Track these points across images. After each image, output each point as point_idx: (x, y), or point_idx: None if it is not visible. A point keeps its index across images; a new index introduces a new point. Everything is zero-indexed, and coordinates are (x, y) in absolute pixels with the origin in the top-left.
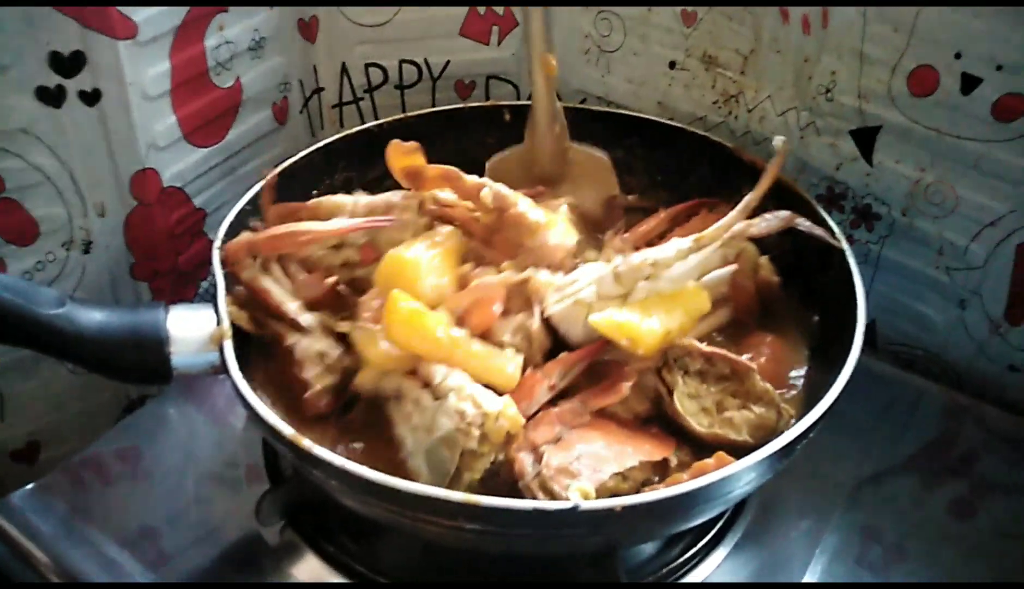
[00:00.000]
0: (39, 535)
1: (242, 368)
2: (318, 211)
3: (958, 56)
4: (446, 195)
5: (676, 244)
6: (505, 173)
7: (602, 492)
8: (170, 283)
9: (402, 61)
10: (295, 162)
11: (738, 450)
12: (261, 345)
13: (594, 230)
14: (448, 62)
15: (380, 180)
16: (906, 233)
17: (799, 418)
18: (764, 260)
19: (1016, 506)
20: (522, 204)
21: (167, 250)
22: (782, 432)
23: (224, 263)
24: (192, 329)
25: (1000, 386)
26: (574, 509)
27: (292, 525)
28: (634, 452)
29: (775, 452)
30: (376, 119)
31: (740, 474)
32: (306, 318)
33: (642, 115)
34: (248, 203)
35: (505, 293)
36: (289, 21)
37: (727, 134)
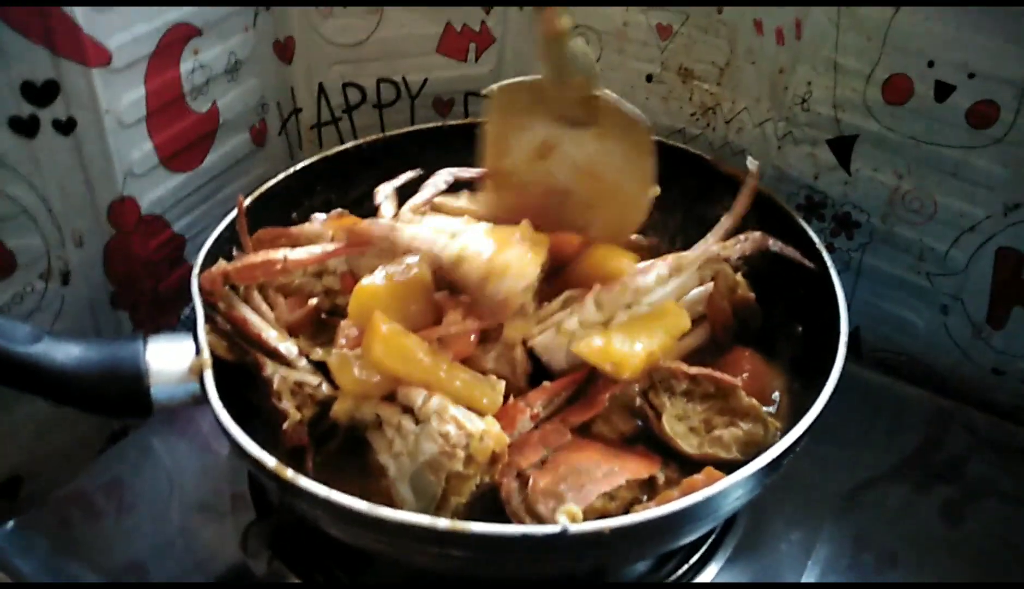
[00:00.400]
0: (21, 575)
1: (224, 398)
2: (299, 237)
3: (931, 64)
4: None
5: (656, 269)
6: (514, 105)
7: (590, 513)
8: (151, 311)
9: (380, 80)
10: (273, 185)
11: (727, 467)
12: (243, 373)
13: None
14: (426, 80)
15: (360, 201)
16: (886, 240)
17: (786, 430)
18: (740, 278)
19: (1004, 510)
20: (453, 250)
21: (147, 278)
22: (770, 445)
23: (201, 292)
24: (171, 360)
25: (984, 389)
26: (563, 533)
27: (279, 556)
28: (620, 471)
29: (764, 466)
30: (355, 139)
31: (729, 490)
32: (286, 347)
33: None
34: (227, 228)
35: (478, 329)
36: (265, 43)
37: (705, 146)
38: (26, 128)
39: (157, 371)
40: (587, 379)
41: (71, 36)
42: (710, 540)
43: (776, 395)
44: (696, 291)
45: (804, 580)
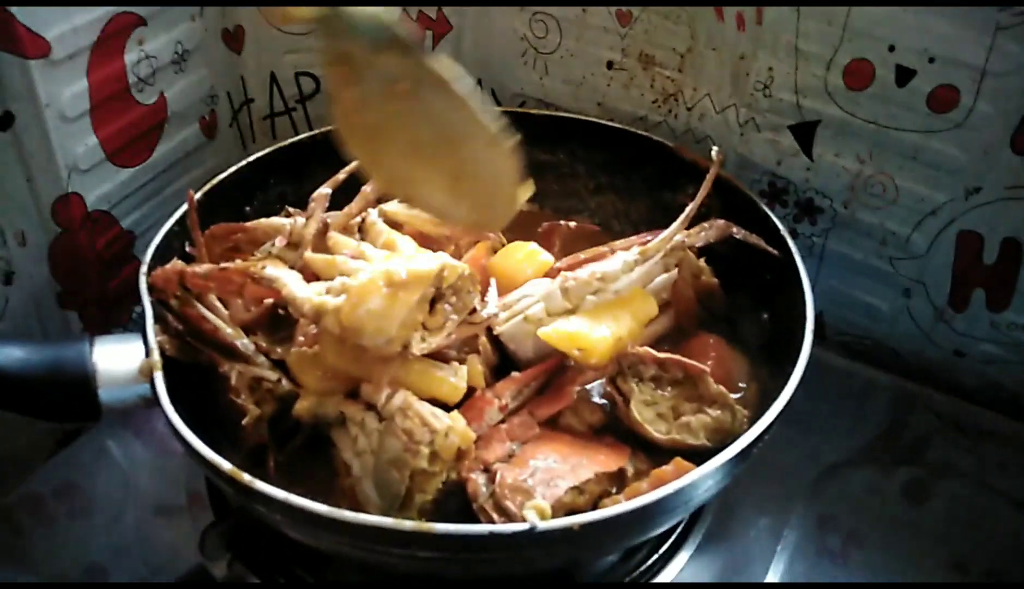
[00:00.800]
0: None
1: (175, 400)
2: (255, 233)
3: (892, 49)
4: None
5: (622, 257)
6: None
7: (558, 508)
8: (101, 310)
9: None
10: (225, 178)
11: (696, 454)
12: (195, 374)
13: None
14: None
15: None
16: (849, 225)
17: (754, 418)
18: (704, 265)
19: (967, 489)
20: (313, 303)
21: (95, 276)
22: (738, 432)
23: (151, 291)
24: (120, 362)
25: (947, 372)
26: (531, 530)
27: (239, 557)
28: (589, 464)
29: (734, 456)
30: (310, 130)
31: (698, 482)
32: (243, 343)
33: (582, 117)
34: (177, 223)
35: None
36: (213, 32)
37: (668, 133)
38: None
39: (105, 373)
40: (555, 370)
41: (5, 27)
42: (679, 529)
43: (743, 382)
44: (661, 278)
45: (774, 564)
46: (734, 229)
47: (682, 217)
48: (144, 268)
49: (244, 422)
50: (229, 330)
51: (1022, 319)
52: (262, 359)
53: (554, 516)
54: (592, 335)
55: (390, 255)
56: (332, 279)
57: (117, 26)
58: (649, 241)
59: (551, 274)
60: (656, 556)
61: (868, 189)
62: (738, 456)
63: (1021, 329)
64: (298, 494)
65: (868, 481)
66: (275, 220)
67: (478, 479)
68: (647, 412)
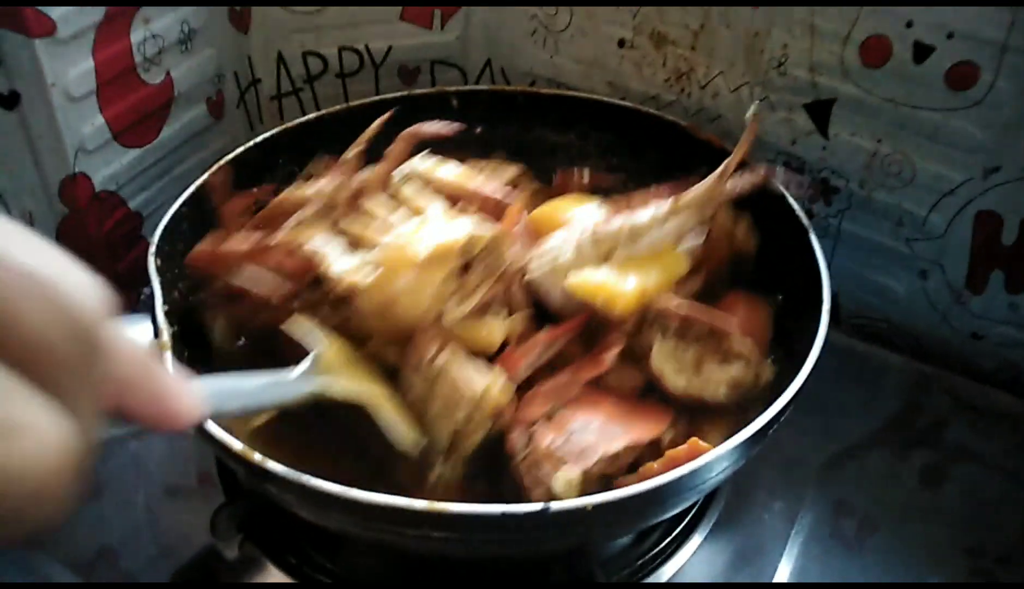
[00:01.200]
0: None
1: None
2: (283, 207)
3: (910, 25)
4: None
5: (653, 209)
6: None
7: (588, 478)
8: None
9: (342, 48)
10: (233, 158)
11: (715, 411)
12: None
13: None
14: (390, 48)
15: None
16: (865, 205)
17: (770, 401)
18: (741, 223)
19: (984, 472)
20: (344, 284)
21: (103, 258)
22: (762, 389)
23: (193, 270)
24: None
25: (964, 354)
26: (544, 511)
27: (251, 538)
28: (624, 433)
29: (749, 438)
30: (318, 110)
31: (711, 464)
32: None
33: (593, 96)
34: (184, 204)
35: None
36: (220, 11)
37: (680, 112)
38: None
39: None
40: (596, 329)
41: (10, 5)
42: (692, 512)
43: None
44: (694, 234)
45: (788, 548)
46: (775, 174)
47: (719, 170)
48: (153, 248)
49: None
50: (276, 293)
51: None
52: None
53: (583, 486)
54: (616, 286)
55: (420, 224)
56: (368, 249)
57: (123, 5)
58: (674, 195)
59: None
60: (669, 539)
61: (885, 169)
62: (753, 437)
63: None
64: (308, 472)
65: (883, 464)
66: (302, 189)
67: (518, 439)
68: (667, 364)
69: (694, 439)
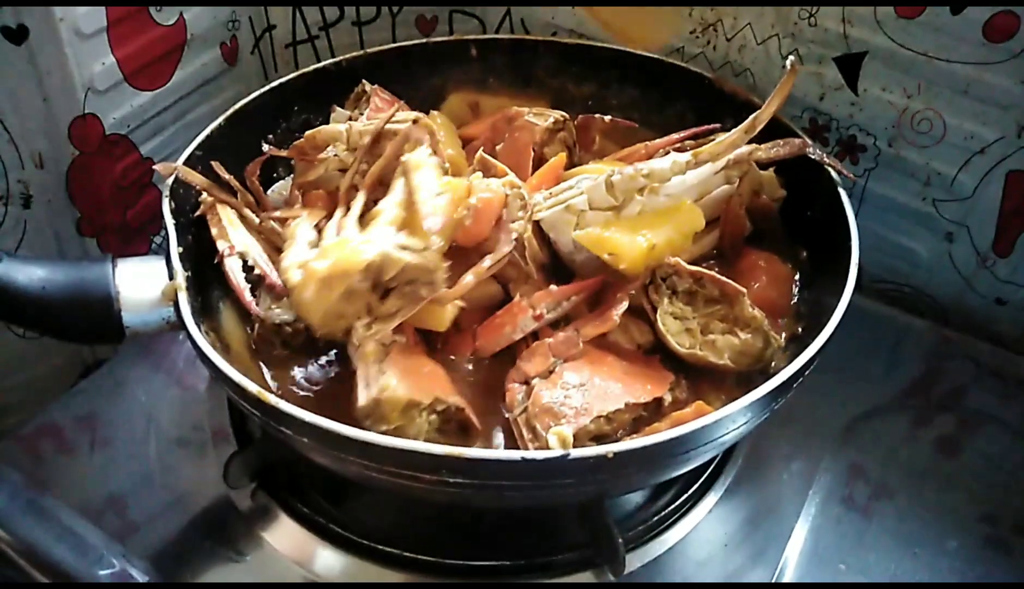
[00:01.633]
0: None
1: (199, 323)
2: (315, 141)
3: None
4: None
5: (673, 157)
6: None
7: (582, 435)
8: (119, 238)
9: None
10: (247, 103)
11: (717, 376)
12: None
13: None
14: None
15: None
16: (892, 165)
17: (790, 359)
18: (770, 177)
19: (1004, 440)
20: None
21: (114, 203)
22: (768, 360)
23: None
24: (143, 284)
25: (987, 320)
26: (564, 457)
27: (263, 487)
28: (623, 392)
29: (769, 392)
30: (333, 58)
31: (733, 416)
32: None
33: (616, 47)
34: (198, 148)
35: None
36: None
37: (705, 65)
38: None
39: (128, 295)
40: (599, 288)
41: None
42: (709, 470)
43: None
44: (720, 190)
45: (805, 510)
46: (809, 149)
47: (746, 124)
48: (167, 191)
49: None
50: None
51: None
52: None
53: (577, 443)
54: (624, 240)
55: (371, 221)
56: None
57: None
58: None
59: None
60: (685, 496)
61: (914, 126)
62: (775, 391)
63: None
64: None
65: (903, 429)
66: (330, 128)
67: (517, 391)
68: (674, 324)
69: (700, 403)
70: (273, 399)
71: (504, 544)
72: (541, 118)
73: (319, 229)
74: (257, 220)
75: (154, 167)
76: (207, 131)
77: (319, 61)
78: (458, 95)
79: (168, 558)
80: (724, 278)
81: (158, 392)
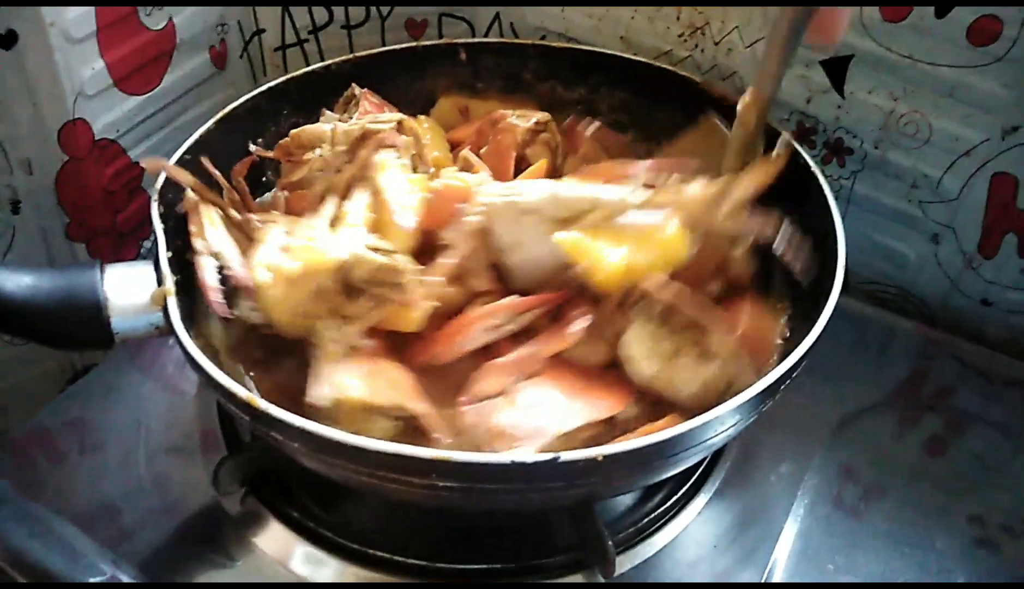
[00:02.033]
0: None
1: (188, 328)
2: (300, 141)
3: None
4: None
5: (624, 192)
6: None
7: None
8: (109, 243)
9: None
10: (236, 107)
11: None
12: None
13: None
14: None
15: None
16: (879, 167)
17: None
18: (740, 253)
19: (991, 439)
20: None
21: (104, 208)
22: (737, 392)
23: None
24: (131, 289)
25: (974, 320)
26: (554, 461)
27: (253, 492)
28: (583, 410)
29: (759, 393)
30: (323, 61)
31: (722, 418)
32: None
33: (605, 51)
34: (187, 152)
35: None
36: None
37: (693, 68)
38: None
39: (116, 300)
40: (558, 302)
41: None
42: (698, 472)
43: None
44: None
45: (794, 511)
46: (778, 235)
47: (720, 188)
48: (156, 196)
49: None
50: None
51: None
52: None
53: None
54: (605, 255)
55: (340, 223)
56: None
57: None
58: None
59: None
60: (674, 498)
61: (900, 129)
62: (764, 392)
63: None
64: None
65: (891, 429)
66: (315, 127)
67: (470, 413)
68: (640, 346)
69: (674, 416)
70: (263, 404)
71: (494, 547)
72: (523, 120)
73: (290, 234)
74: (239, 218)
75: (141, 162)
76: (196, 135)
77: (308, 65)
78: (448, 99)
79: (158, 563)
80: (698, 306)
81: (147, 397)
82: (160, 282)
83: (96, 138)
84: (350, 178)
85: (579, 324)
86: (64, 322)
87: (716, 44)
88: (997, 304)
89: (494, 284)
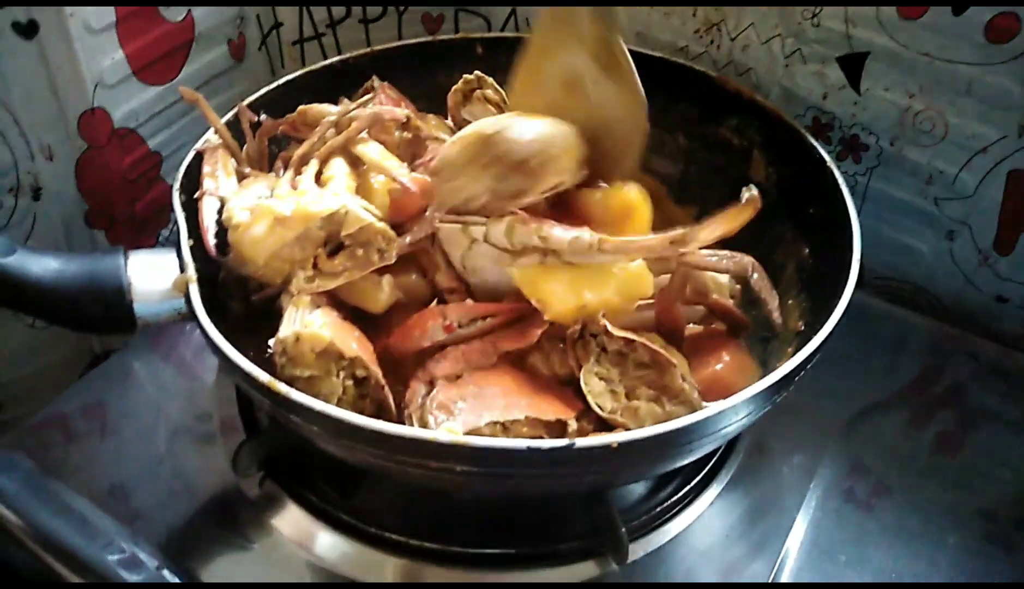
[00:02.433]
0: (5, 495)
1: (210, 314)
2: (306, 117)
3: None
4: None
5: (577, 233)
6: (558, 31)
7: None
8: (128, 231)
9: None
10: (254, 101)
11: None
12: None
13: None
14: None
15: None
16: (894, 163)
17: (793, 354)
18: (720, 284)
19: (1004, 436)
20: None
21: (123, 196)
22: None
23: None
24: (154, 275)
25: (988, 317)
26: (569, 446)
27: (271, 475)
28: (527, 406)
29: (773, 384)
30: (340, 55)
31: (736, 408)
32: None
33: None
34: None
35: None
36: None
37: (709, 64)
38: None
39: (140, 286)
40: (518, 313)
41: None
42: (711, 463)
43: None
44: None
45: (806, 503)
46: (754, 275)
47: (676, 235)
48: (177, 184)
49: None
50: None
51: None
52: None
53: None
54: (555, 291)
55: (325, 187)
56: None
57: None
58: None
59: None
60: (687, 489)
61: (916, 125)
62: (778, 383)
63: None
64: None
65: (903, 425)
66: (322, 106)
67: (418, 389)
68: (596, 383)
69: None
70: (283, 387)
71: (509, 532)
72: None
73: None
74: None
75: (179, 89)
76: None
77: (326, 58)
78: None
79: (177, 544)
80: (655, 347)
81: (167, 382)
82: (182, 269)
83: (115, 127)
84: (336, 146)
85: (539, 329)
86: (88, 306)
87: (732, 40)
88: (1012, 300)
89: (459, 283)
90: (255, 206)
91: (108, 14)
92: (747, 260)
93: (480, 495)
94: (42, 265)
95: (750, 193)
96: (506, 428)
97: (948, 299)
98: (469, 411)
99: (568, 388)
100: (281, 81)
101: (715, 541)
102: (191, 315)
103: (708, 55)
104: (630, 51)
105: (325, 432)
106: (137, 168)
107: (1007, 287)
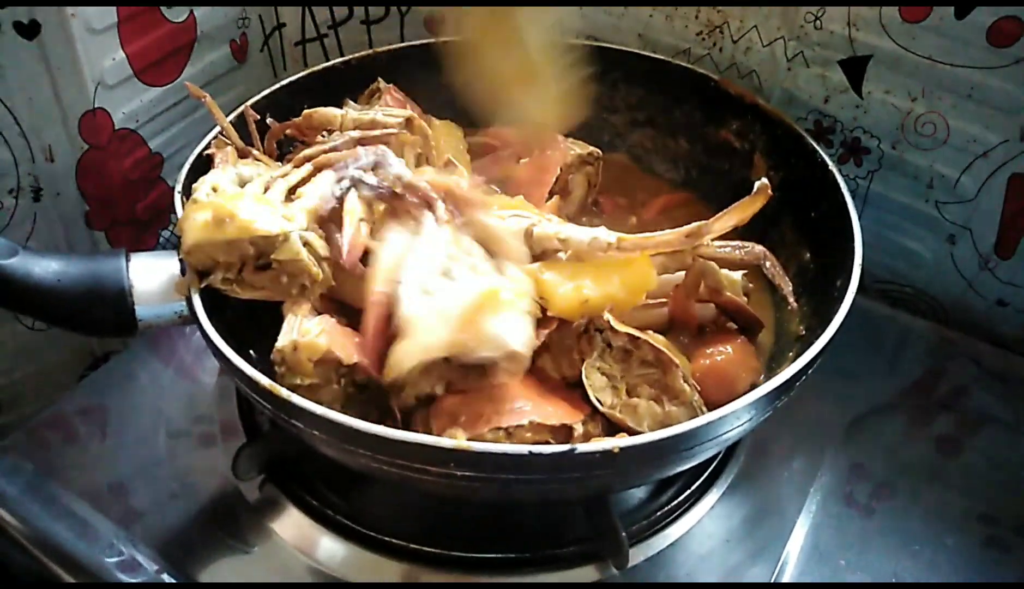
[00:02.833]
0: (5, 496)
1: (211, 317)
2: (311, 121)
3: None
4: None
5: (595, 232)
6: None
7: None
8: (129, 232)
9: None
10: (256, 102)
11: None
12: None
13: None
14: None
15: None
16: (896, 167)
17: (794, 358)
18: (734, 279)
19: (1005, 440)
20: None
21: (123, 197)
22: None
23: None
24: (156, 278)
25: (988, 321)
26: (571, 452)
27: (271, 479)
28: (532, 410)
29: (774, 390)
30: (342, 56)
31: (737, 413)
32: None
33: (622, 48)
34: (209, 144)
35: None
36: None
37: (711, 67)
38: None
39: (141, 288)
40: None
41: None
42: (711, 467)
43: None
44: (664, 277)
45: (806, 508)
46: (767, 262)
47: (690, 228)
48: (179, 187)
49: None
50: None
51: None
52: None
53: None
54: (558, 288)
55: (293, 202)
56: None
57: None
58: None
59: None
60: (687, 493)
61: (918, 129)
62: (779, 388)
63: None
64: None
65: (904, 429)
66: (327, 110)
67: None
68: (598, 379)
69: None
70: (284, 392)
71: (510, 537)
72: (578, 146)
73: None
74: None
75: (185, 84)
76: (218, 128)
77: (328, 60)
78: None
79: (176, 548)
80: (660, 346)
81: (167, 385)
82: (184, 272)
83: (116, 128)
84: (329, 159)
85: (544, 332)
86: (90, 308)
87: (734, 42)
88: (1013, 304)
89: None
90: (213, 195)
91: (110, 14)
92: (759, 249)
93: (482, 500)
94: (44, 267)
95: (761, 182)
96: (509, 433)
97: (949, 303)
98: (474, 418)
99: (576, 391)
100: (283, 82)
101: (715, 545)
102: (192, 318)
103: (710, 58)
104: (631, 52)
105: (326, 437)
106: (138, 169)
107: (1007, 291)
